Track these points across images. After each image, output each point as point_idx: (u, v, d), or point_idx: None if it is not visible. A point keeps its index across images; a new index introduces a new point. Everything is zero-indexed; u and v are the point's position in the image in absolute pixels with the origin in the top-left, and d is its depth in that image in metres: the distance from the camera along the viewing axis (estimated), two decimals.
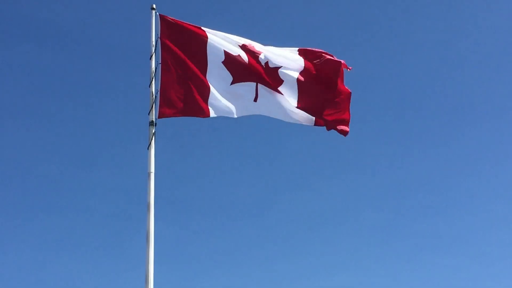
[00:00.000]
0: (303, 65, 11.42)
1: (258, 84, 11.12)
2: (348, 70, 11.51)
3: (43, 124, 27.78)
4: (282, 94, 11.18)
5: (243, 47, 11.17)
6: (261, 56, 11.22)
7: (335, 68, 11.44)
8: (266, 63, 11.23)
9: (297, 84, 11.31)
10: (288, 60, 11.39)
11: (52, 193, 26.43)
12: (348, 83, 11.57)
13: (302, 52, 11.53)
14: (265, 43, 11.44)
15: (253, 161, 28.77)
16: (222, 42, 11.07)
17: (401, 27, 31.71)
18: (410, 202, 28.15)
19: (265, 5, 30.63)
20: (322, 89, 11.41)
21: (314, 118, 11.29)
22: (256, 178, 28.32)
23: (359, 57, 29.71)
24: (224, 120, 10.98)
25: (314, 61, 11.46)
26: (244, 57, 11.12)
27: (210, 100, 10.90)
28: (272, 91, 11.16)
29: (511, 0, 30.04)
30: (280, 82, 11.25)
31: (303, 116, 11.28)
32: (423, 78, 30.95)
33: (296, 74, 11.33)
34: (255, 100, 11.11)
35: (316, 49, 11.62)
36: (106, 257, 24.32)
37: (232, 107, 10.98)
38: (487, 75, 30.74)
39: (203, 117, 10.92)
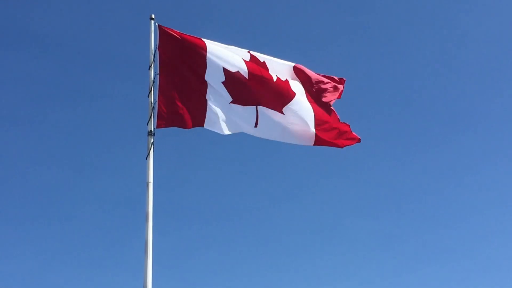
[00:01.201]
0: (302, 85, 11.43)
1: (258, 106, 11.06)
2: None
3: (42, 134, 27.82)
4: (283, 114, 11.13)
5: (249, 59, 11.13)
6: (270, 69, 11.20)
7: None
8: (278, 78, 11.21)
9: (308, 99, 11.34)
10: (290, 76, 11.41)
11: (50, 202, 26.43)
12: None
13: (297, 71, 11.50)
14: (264, 53, 11.41)
15: (251, 171, 28.80)
16: (221, 56, 11.00)
17: (399, 30, 31.81)
18: (406, 210, 28.20)
19: (264, 14, 30.74)
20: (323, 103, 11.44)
21: (314, 137, 11.24)
22: (255, 187, 28.36)
23: (351, 66, 29.80)
24: None
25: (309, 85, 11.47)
26: (244, 73, 11.07)
27: (208, 111, 10.93)
28: (272, 111, 11.09)
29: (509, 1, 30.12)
30: (292, 95, 11.20)
31: (302, 135, 11.22)
32: (419, 87, 31.04)
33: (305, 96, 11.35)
34: (256, 125, 11.03)
35: (312, 73, 11.58)
36: (104, 266, 24.32)
37: (230, 123, 10.94)
38: (483, 81, 30.85)
39: (200, 127, 10.97)
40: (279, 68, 11.38)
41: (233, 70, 11.02)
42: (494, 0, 30.54)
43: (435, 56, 31.06)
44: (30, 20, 28.15)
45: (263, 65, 11.23)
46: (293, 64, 11.58)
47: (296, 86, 11.36)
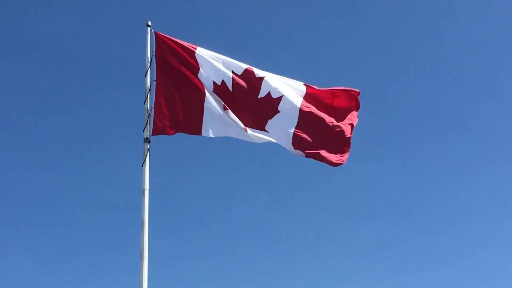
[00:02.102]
0: (305, 91, 11.34)
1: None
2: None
3: (39, 139, 27.79)
4: (267, 131, 11.05)
5: (241, 73, 11.09)
6: (263, 85, 11.13)
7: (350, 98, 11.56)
8: (269, 93, 11.15)
9: (299, 113, 11.24)
10: (290, 87, 11.32)
11: (47, 207, 26.40)
12: None
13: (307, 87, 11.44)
14: (262, 66, 11.39)
15: (248, 177, 28.80)
16: (211, 65, 11.01)
17: (398, 31, 31.89)
18: (404, 214, 28.25)
19: (262, 22, 30.79)
20: (326, 117, 11.38)
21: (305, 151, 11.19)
22: (252, 194, 28.35)
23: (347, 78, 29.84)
24: (219, 137, 11.02)
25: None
26: (229, 83, 11.04)
27: (205, 118, 10.95)
28: (256, 130, 11.01)
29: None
30: (275, 112, 11.18)
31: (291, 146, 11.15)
32: (417, 91, 31.11)
33: (298, 103, 11.25)
34: (246, 130, 10.95)
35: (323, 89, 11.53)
36: (101, 272, 24.30)
37: (226, 128, 10.93)
38: (483, 84, 30.92)
39: (197, 135, 10.99)
40: (277, 84, 11.28)
41: (218, 81, 11.03)
42: (493, 1, 30.66)
43: (434, 57, 31.14)
44: (27, 26, 28.18)
45: (256, 80, 11.16)
46: (302, 83, 11.53)
47: (293, 99, 11.27)
